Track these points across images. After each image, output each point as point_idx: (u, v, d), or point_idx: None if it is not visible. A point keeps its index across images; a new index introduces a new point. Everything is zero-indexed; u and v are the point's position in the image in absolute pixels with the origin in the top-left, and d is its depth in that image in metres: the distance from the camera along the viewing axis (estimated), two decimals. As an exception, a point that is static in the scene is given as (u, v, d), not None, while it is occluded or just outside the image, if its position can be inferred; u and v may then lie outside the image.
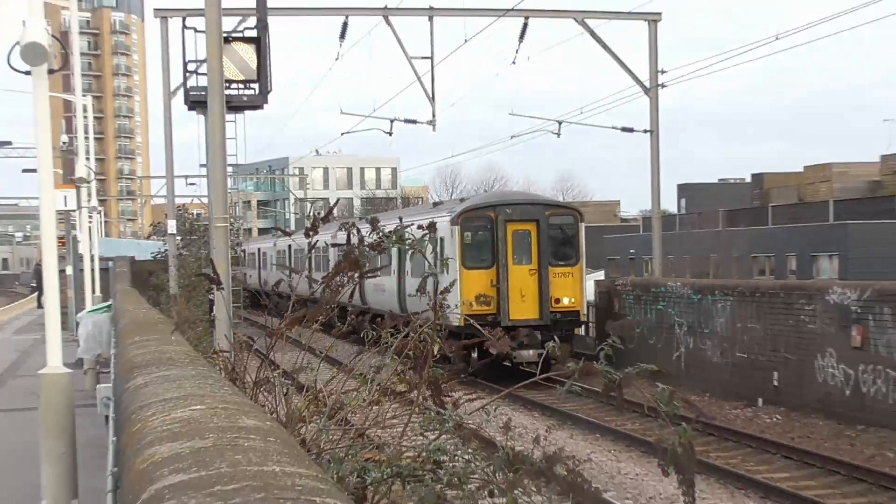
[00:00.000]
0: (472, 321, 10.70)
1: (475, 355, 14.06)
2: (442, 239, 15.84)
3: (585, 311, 16.66)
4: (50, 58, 5.02)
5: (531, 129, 23.46)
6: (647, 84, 18.15)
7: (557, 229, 16.65)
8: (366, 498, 3.26)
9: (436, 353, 3.30)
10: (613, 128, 19.54)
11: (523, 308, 15.73)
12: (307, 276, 3.47)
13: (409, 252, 4.75)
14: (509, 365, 15.23)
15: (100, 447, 6.01)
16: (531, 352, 14.12)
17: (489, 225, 16.01)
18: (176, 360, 3.55)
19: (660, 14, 19.09)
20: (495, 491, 3.30)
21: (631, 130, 19.34)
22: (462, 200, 18.34)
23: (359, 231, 3.77)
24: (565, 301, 16.11)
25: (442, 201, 25.62)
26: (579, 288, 16.56)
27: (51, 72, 5.23)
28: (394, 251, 23.66)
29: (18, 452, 7.43)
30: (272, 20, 11.97)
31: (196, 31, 11.19)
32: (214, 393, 2.99)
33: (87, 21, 78.43)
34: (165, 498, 1.35)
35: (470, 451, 3.35)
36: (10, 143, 26.18)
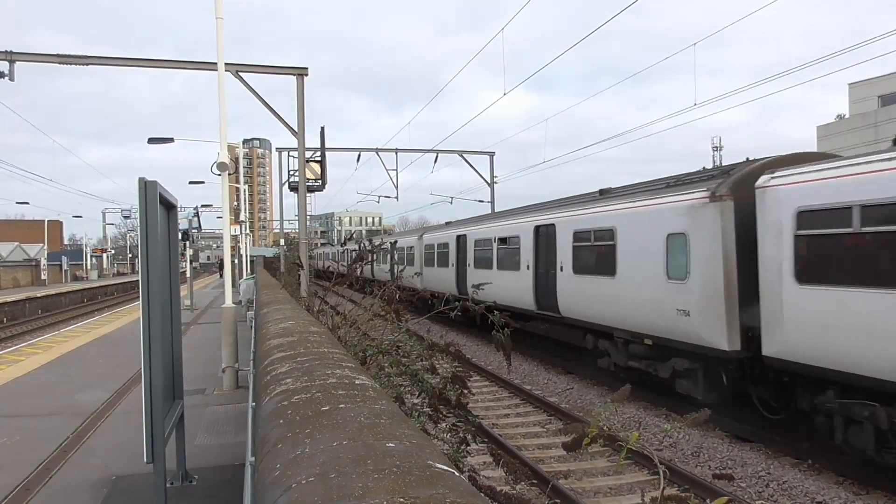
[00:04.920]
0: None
1: None
2: None
3: None
4: (229, 168, 10.12)
5: (440, 200, 45.07)
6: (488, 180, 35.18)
7: None
8: (365, 362, 7.26)
9: (397, 297, 7.20)
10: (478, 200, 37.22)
11: None
12: (341, 264, 7.27)
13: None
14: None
15: (247, 340, 10.53)
16: None
17: None
18: (282, 300, 7.47)
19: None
20: (423, 357, 7.27)
21: (482, 201, 36.79)
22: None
23: (370, 241, 7.64)
24: None
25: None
26: None
27: (229, 174, 10.34)
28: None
29: (214, 340, 12.74)
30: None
31: (292, 156, 25.13)
32: (298, 316, 6.95)
33: (246, 152, 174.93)
34: (276, 362, 4.79)
35: (412, 340, 7.30)
36: (211, 205, 53.76)
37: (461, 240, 24.09)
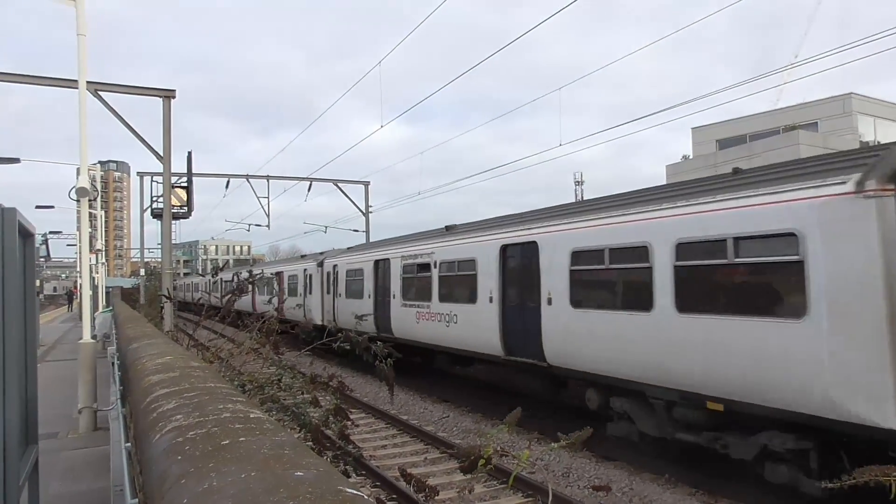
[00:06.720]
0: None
1: None
2: None
3: None
4: (90, 194, 9.84)
5: (314, 229, 46.62)
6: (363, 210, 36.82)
7: None
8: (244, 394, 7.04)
9: (277, 330, 7.08)
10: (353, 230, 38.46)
11: None
12: (213, 295, 7.09)
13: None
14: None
15: (107, 377, 9.78)
16: None
17: None
18: (152, 334, 7.08)
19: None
20: (304, 391, 7.18)
21: (357, 231, 38.08)
22: None
23: (249, 272, 7.48)
24: None
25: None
26: None
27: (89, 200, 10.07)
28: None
29: (65, 379, 11.51)
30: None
31: (156, 181, 24.15)
32: (174, 351, 6.61)
33: (102, 175, 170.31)
34: (161, 398, 4.55)
35: (292, 375, 7.18)
36: (60, 231, 50.22)
37: (381, 265, 19.22)
